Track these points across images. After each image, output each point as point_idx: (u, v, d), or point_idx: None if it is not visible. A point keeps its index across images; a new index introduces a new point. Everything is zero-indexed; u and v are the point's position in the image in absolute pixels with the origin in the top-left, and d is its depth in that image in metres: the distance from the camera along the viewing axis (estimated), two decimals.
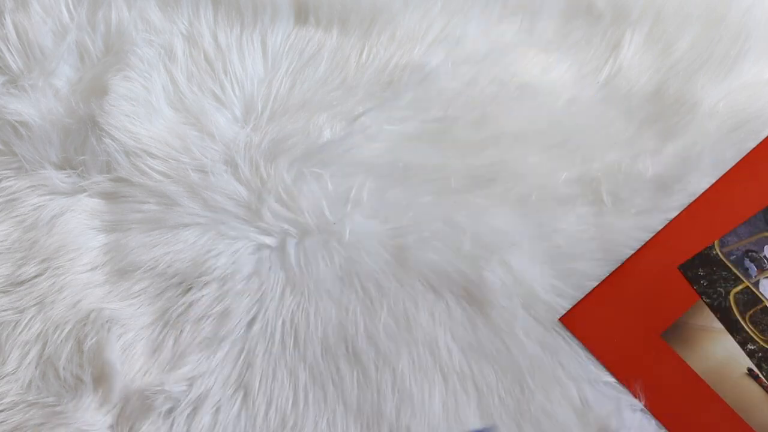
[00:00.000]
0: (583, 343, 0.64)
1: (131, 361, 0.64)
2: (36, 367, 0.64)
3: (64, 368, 0.64)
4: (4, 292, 0.65)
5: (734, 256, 0.65)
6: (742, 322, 0.64)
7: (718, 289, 0.65)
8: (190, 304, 0.65)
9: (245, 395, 0.64)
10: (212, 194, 0.67)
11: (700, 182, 0.66)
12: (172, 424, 0.63)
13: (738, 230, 0.65)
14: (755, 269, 0.65)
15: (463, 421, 0.63)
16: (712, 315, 0.64)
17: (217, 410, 0.64)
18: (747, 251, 0.65)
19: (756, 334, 0.64)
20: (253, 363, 0.65)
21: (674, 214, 0.65)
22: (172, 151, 0.67)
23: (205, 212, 0.67)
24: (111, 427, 0.63)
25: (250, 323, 0.65)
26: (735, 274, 0.65)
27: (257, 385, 0.64)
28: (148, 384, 0.64)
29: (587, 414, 0.62)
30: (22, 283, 0.65)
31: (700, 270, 0.65)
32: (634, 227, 0.65)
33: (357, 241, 0.66)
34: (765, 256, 0.65)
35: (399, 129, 0.68)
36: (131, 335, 0.64)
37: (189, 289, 0.65)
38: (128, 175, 0.66)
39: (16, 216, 0.66)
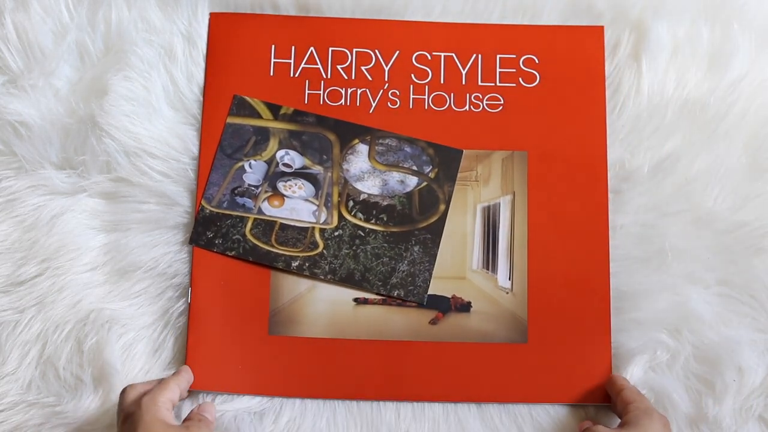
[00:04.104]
0: (220, 390, 0.64)
1: (132, 361, 0.64)
2: (36, 367, 0.64)
3: (64, 368, 0.64)
4: (4, 292, 0.65)
5: (226, 202, 0.66)
6: (274, 249, 0.65)
7: (234, 237, 0.65)
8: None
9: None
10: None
11: None
12: None
13: (212, 179, 0.66)
14: (250, 200, 0.66)
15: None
16: (285, 286, 0.65)
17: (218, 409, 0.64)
18: (233, 191, 0.66)
19: (290, 250, 0.65)
20: None
21: None
22: (172, 151, 0.67)
23: None
24: (111, 427, 0.63)
25: None
26: (237, 215, 0.66)
27: None
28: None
29: None
30: (22, 283, 0.65)
31: (208, 233, 0.65)
32: None
33: None
34: (250, 185, 0.66)
35: None
36: (131, 335, 0.64)
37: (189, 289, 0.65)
38: (128, 175, 0.66)
39: (16, 216, 0.66)
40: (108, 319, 0.64)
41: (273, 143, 0.67)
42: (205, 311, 0.64)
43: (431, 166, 0.66)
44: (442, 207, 0.66)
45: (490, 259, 0.66)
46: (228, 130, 0.67)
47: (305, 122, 0.67)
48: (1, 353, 0.64)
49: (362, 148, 0.67)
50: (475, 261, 0.66)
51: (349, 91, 0.68)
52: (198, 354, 0.64)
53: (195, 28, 0.69)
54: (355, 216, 0.65)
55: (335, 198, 0.66)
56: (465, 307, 0.65)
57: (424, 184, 0.66)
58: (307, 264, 0.65)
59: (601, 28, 0.69)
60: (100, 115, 0.66)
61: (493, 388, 0.64)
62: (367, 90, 0.68)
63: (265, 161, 0.67)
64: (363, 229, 0.66)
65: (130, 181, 0.66)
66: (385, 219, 0.66)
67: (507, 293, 0.65)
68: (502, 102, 0.68)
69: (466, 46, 0.69)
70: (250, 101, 0.67)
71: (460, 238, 0.66)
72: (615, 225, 0.66)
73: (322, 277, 0.65)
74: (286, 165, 0.66)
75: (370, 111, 0.68)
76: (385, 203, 0.66)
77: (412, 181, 0.66)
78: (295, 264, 0.65)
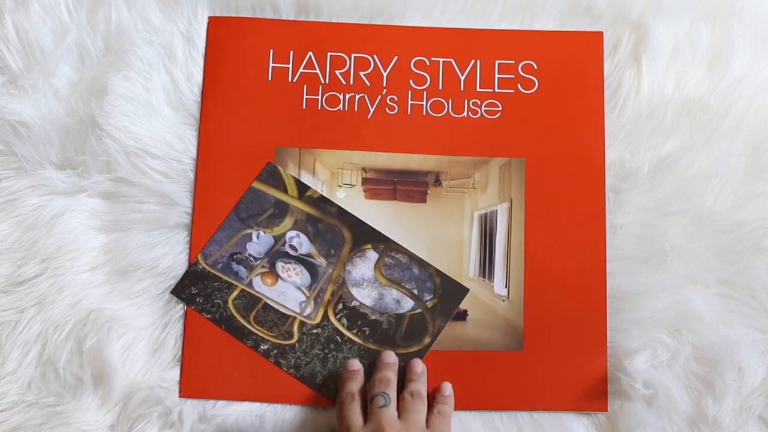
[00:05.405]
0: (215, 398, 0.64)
1: (132, 361, 0.64)
2: (36, 367, 0.64)
3: (64, 368, 0.64)
4: (4, 292, 0.65)
5: (221, 264, 0.64)
6: (249, 326, 0.64)
7: (216, 301, 0.64)
8: None
9: None
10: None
11: None
12: (172, 424, 0.63)
13: (216, 237, 0.65)
14: (245, 270, 0.65)
15: None
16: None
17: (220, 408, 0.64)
18: (232, 255, 0.65)
19: (265, 332, 0.64)
20: None
21: None
22: (172, 151, 0.67)
23: None
24: (111, 427, 0.63)
25: None
26: (227, 281, 0.64)
27: None
28: (149, 384, 0.64)
29: None
30: (22, 283, 0.65)
31: (192, 288, 0.64)
32: None
33: None
34: (251, 255, 0.65)
35: None
36: (131, 335, 0.64)
37: None
38: (128, 175, 0.66)
39: (16, 216, 0.66)
40: (108, 319, 0.64)
41: (288, 221, 0.65)
42: (201, 318, 0.64)
43: (432, 295, 0.65)
44: (427, 340, 0.64)
45: (486, 267, 0.65)
46: (249, 195, 0.66)
47: (326, 210, 0.66)
48: (1, 353, 0.64)
49: (372, 255, 0.65)
50: (472, 269, 0.66)
51: (347, 96, 0.68)
52: (194, 361, 0.64)
53: (195, 29, 0.69)
54: (339, 320, 0.64)
55: (327, 296, 0.65)
56: (461, 315, 0.65)
57: (419, 311, 0.65)
58: (275, 351, 0.64)
59: (600, 33, 0.69)
60: (100, 115, 0.66)
61: (489, 396, 0.63)
62: (366, 95, 0.68)
63: (273, 236, 0.65)
64: (342, 335, 0.64)
65: (130, 181, 0.66)
66: (366, 333, 0.64)
67: (503, 301, 0.65)
68: (500, 108, 0.68)
69: (465, 52, 0.69)
70: (282, 173, 0.66)
71: (456, 246, 0.66)
72: (615, 225, 0.66)
73: (285, 369, 0.64)
74: (292, 247, 0.65)
75: (368, 116, 0.67)
76: (373, 317, 0.64)
77: (408, 304, 0.65)
78: (263, 347, 0.64)
